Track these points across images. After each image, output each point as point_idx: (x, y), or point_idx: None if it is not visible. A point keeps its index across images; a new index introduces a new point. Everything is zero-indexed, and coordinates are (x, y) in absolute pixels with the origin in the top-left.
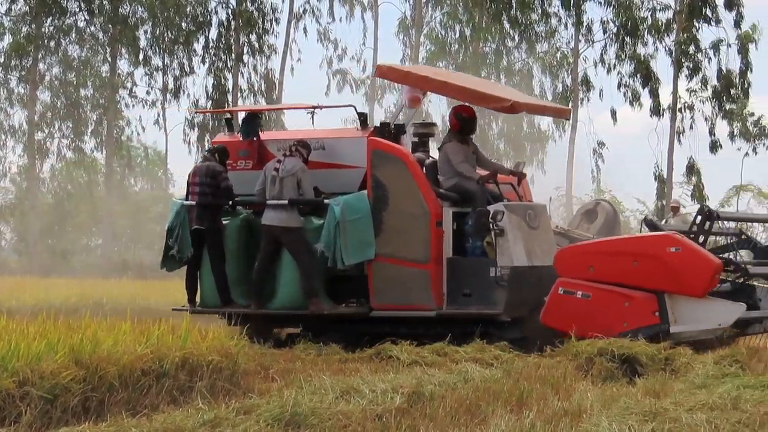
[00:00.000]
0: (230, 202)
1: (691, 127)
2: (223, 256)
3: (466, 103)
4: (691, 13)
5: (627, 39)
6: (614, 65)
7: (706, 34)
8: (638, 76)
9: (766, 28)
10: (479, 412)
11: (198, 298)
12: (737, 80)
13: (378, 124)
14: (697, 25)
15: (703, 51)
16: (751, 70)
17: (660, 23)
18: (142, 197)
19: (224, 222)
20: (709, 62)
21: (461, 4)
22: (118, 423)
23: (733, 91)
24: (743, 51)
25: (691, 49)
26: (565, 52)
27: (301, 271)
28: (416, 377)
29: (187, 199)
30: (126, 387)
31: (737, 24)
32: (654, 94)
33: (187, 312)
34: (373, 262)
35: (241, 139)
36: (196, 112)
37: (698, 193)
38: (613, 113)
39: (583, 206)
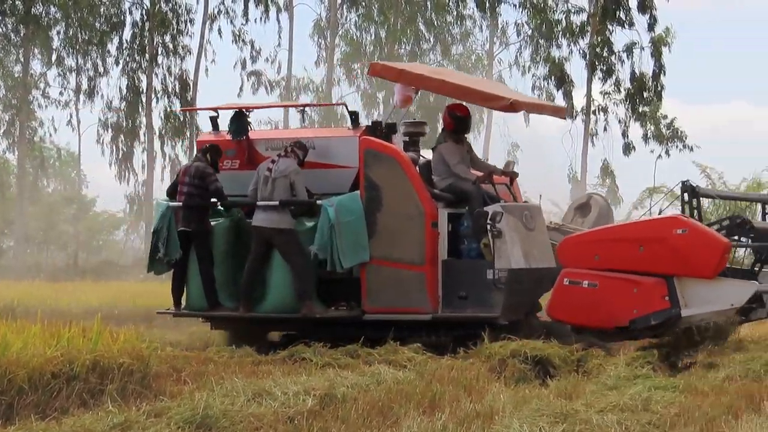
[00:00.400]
0: (219, 204)
1: (605, 130)
2: (211, 259)
3: (462, 102)
4: (604, 16)
5: (541, 41)
6: (529, 67)
7: (620, 37)
8: (552, 78)
9: (679, 31)
10: (391, 413)
11: (184, 301)
12: (650, 83)
13: (369, 123)
14: (610, 28)
15: (617, 54)
16: (664, 73)
17: (574, 26)
18: (54, 199)
19: (213, 223)
20: (622, 65)
21: (376, 5)
22: (27, 426)
23: (646, 94)
24: (656, 54)
25: (605, 51)
26: (480, 55)
27: (294, 274)
28: (329, 379)
29: (174, 199)
30: (35, 390)
31: (651, 27)
32: (568, 97)
33: (170, 315)
34: (366, 264)
35: (229, 138)
36: (182, 110)
37: (612, 195)
38: (526, 115)
39: (576, 200)
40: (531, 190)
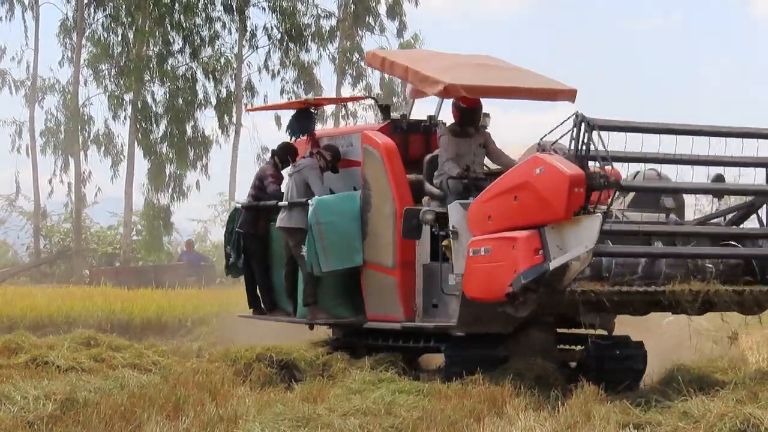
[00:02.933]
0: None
1: None
2: (264, 261)
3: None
4: (354, 21)
5: (291, 45)
6: (278, 71)
7: (369, 42)
8: (302, 82)
9: (427, 37)
10: (134, 418)
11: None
12: (400, 88)
13: (394, 117)
14: (360, 33)
15: None
16: None
17: (323, 30)
18: None
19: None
20: (372, 70)
21: (124, 6)
22: None
23: (395, 99)
24: None
25: (355, 56)
26: (229, 58)
27: (303, 277)
28: (71, 384)
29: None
30: None
31: (400, 33)
32: None
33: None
34: (363, 268)
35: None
36: (249, 110)
37: None
38: (278, 119)
39: None
40: None
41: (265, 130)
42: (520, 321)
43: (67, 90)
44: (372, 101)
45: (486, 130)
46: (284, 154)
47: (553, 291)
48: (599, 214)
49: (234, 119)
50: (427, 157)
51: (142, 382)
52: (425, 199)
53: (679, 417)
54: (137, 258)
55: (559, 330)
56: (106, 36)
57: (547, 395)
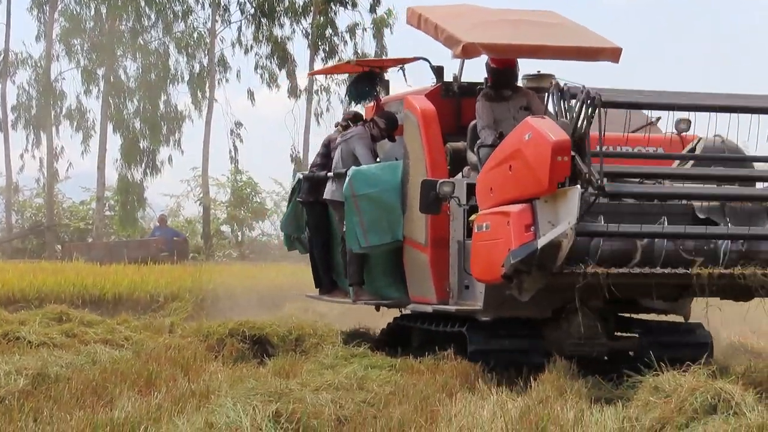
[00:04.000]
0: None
1: (328, 110)
2: (322, 236)
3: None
4: None
5: (264, 20)
6: (251, 46)
7: (343, 18)
8: (275, 57)
9: (400, 13)
10: (106, 393)
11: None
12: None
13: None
14: (333, 8)
15: (340, 34)
16: (386, 54)
17: (297, 5)
18: None
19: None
20: (345, 45)
21: None
22: None
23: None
24: (378, 35)
25: (328, 32)
26: (202, 32)
27: (347, 254)
28: (42, 359)
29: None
30: None
31: (373, 8)
32: (291, 76)
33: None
34: (403, 245)
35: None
36: (310, 75)
37: None
38: (251, 94)
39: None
40: (253, 169)
41: (239, 106)
42: (558, 305)
43: (39, 65)
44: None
45: (530, 90)
46: (352, 121)
47: (546, 273)
48: (577, 186)
49: (207, 94)
50: (471, 123)
51: (114, 358)
52: (465, 169)
53: (651, 392)
54: (110, 233)
55: (621, 314)
56: (78, 10)
57: (520, 371)
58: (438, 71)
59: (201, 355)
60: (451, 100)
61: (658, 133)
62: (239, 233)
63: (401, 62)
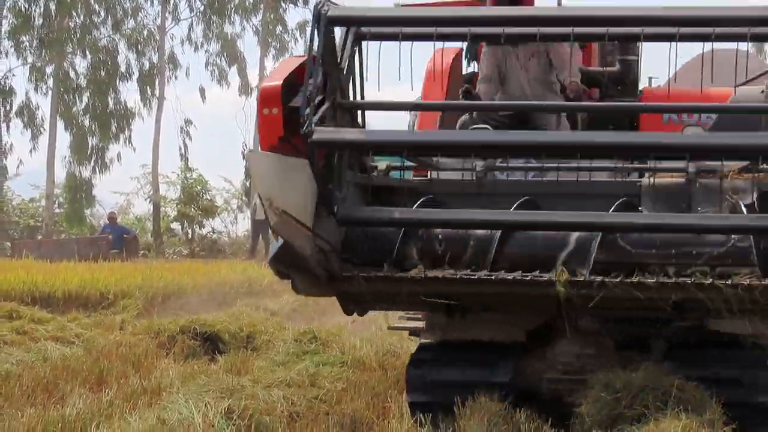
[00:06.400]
0: None
1: None
2: None
3: None
4: None
5: (214, 18)
6: (202, 43)
7: (293, 15)
8: (225, 55)
9: None
10: (57, 390)
11: None
12: None
13: None
14: (284, 5)
15: (290, 31)
16: None
17: (247, 3)
18: None
19: None
20: (296, 42)
21: None
22: None
23: None
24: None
25: (278, 29)
26: (152, 29)
27: None
28: None
29: None
30: None
31: None
32: (242, 74)
33: None
34: None
35: None
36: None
37: None
38: (202, 91)
39: None
40: (203, 167)
41: (189, 103)
42: (535, 326)
43: None
44: None
45: None
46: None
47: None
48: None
49: (157, 92)
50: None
51: (65, 355)
52: None
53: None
54: (59, 231)
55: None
56: (27, 7)
57: None
58: None
59: (152, 352)
60: None
61: None
62: (189, 230)
63: None
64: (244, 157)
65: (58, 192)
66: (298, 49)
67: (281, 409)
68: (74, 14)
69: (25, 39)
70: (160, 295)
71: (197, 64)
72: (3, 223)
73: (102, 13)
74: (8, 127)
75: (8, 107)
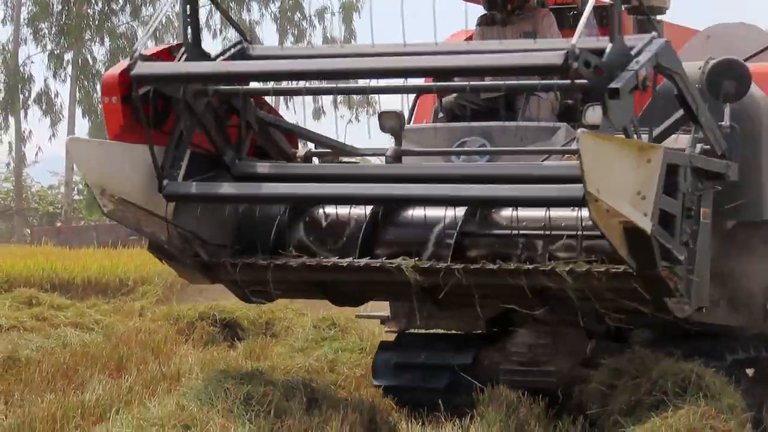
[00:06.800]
0: None
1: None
2: None
3: None
4: None
5: (232, 5)
6: (220, 30)
7: (312, 2)
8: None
9: None
10: (77, 376)
11: None
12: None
13: None
14: None
15: (308, 18)
16: (355, 38)
17: None
18: None
19: None
20: (314, 29)
21: None
22: None
23: None
24: (347, 19)
25: (297, 16)
26: (170, 16)
27: None
28: (12, 342)
29: None
30: None
31: None
32: None
33: None
34: None
35: None
36: None
37: None
38: None
39: None
40: None
41: None
42: (495, 315)
43: (6, 49)
44: None
45: (544, 11)
46: None
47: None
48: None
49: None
50: None
51: (85, 341)
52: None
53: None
54: (78, 217)
55: None
56: None
57: None
58: None
59: (171, 339)
60: None
61: None
62: None
63: None
64: None
65: (77, 179)
66: (316, 36)
67: (300, 396)
68: (93, 1)
69: (43, 26)
70: (179, 282)
71: (215, 51)
72: (22, 210)
73: (120, 0)
74: (26, 114)
75: (27, 94)
